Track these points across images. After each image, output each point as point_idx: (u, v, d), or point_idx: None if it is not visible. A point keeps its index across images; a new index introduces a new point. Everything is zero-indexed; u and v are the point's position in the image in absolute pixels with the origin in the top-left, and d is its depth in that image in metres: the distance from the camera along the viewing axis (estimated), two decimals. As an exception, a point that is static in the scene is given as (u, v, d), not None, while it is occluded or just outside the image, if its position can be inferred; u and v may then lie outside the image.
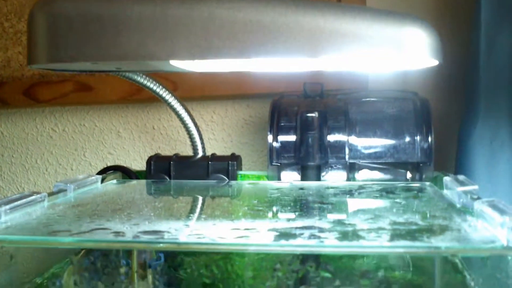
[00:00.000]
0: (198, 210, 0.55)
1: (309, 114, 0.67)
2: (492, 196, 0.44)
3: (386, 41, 0.46)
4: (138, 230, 0.42)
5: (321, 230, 0.41)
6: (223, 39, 0.46)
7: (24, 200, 0.48)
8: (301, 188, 0.62)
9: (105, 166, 0.74)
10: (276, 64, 0.53)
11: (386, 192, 0.58)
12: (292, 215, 0.49)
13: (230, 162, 0.68)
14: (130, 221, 0.45)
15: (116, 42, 0.47)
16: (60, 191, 0.56)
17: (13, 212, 0.46)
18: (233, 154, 0.70)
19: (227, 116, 1.00)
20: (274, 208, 0.52)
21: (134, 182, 0.69)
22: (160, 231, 0.41)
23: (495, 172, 0.74)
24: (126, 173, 0.72)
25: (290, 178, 0.68)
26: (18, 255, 0.48)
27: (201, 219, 0.48)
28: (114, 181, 0.67)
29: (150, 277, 0.52)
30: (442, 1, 0.90)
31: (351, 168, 0.68)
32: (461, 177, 0.55)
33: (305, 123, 0.67)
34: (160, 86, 0.69)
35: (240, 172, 0.69)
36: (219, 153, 0.72)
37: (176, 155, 0.70)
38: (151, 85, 0.68)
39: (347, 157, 0.67)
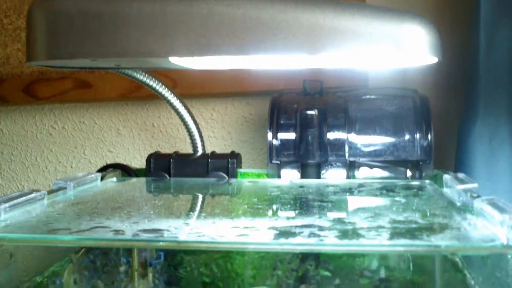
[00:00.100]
0: (198, 208, 0.55)
1: (308, 112, 0.67)
2: (492, 194, 0.44)
3: (386, 38, 0.45)
4: (138, 229, 0.42)
5: (321, 228, 0.41)
6: (222, 36, 0.46)
7: (23, 198, 0.48)
8: (301, 186, 0.62)
9: (105, 164, 0.73)
10: (276, 61, 0.53)
11: (386, 190, 0.58)
12: (292, 213, 0.49)
13: (230, 160, 0.68)
14: (130, 219, 0.45)
15: (116, 39, 0.47)
16: (59, 189, 0.56)
17: (13, 210, 0.46)
18: (232, 152, 0.70)
19: (226, 114, 1.00)
20: (274, 207, 0.52)
21: (134, 180, 0.69)
22: (160, 229, 0.41)
23: (495, 170, 0.74)
24: (125, 171, 0.72)
25: (290, 176, 0.68)
26: (17, 254, 0.48)
27: (201, 217, 0.48)
28: (114, 179, 0.67)
29: (150, 276, 0.52)
30: (442, -2, 0.90)
31: (351, 166, 0.67)
32: (460, 175, 0.55)
33: (305, 120, 0.67)
34: (160, 84, 0.69)
35: (240, 170, 0.69)
36: (218, 151, 0.72)
37: (176, 153, 0.70)
38: (151, 83, 0.68)
39: (347, 155, 0.67)
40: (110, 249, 0.52)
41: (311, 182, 0.65)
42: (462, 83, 0.82)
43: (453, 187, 0.52)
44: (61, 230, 0.42)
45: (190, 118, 0.72)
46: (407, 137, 0.67)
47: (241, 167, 0.70)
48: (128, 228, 0.42)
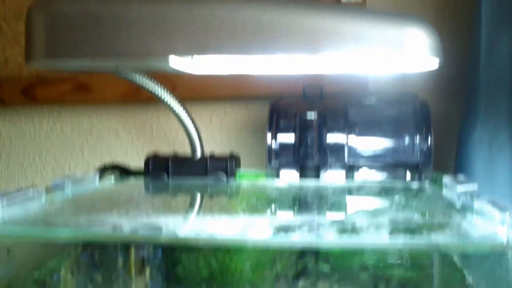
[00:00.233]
0: (196, 206, 0.55)
1: (308, 115, 0.67)
2: (491, 197, 0.44)
3: (386, 41, 0.46)
4: (136, 224, 0.41)
5: (320, 226, 0.41)
6: (222, 37, 0.46)
7: (21, 195, 0.48)
8: (300, 188, 0.62)
9: (103, 164, 0.73)
10: (276, 65, 0.53)
11: (385, 191, 0.58)
12: (291, 213, 0.49)
13: (228, 161, 0.68)
14: (128, 216, 0.45)
15: (115, 39, 0.47)
16: (57, 187, 0.55)
17: (10, 207, 0.46)
18: (231, 154, 0.70)
19: (226, 118, 1.00)
20: (273, 207, 0.52)
21: (132, 180, 0.68)
22: (158, 226, 0.41)
23: (494, 175, 0.73)
24: (124, 172, 0.72)
25: (289, 179, 0.68)
26: (15, 249, 0.47)
27: (199, 215, 0.48)
28: (112, 179, 0.67)
29: (147, 273, 0.51)
30: (442, 2, 0.90)
31: (350, 169, 0.67)
32: (460, 176, 0.55)
33: (304, 124, 0.67)
34: (159, 87, 0.69)
35: (239, 172, 0.69)
36: (217, 154, 0.72)
37: (175, 154, 0.70)
38: (150, 86, 0.68)
39: (346, 157, 0.67)
40: (108, 246, 0.51)
41: (310, 184, 0.65)
42: (462, 87, 0.82)
43: (453, 188, 0.52)
44: (59, 225, 0.42)
45: (189, 121, 0.72)
46: (406, 140, 0.67)
47: (240, 169, 0.70)
48: (126, 224, 0.42)
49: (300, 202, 0.54)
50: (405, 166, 0.67)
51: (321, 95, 0.74)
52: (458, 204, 0.49)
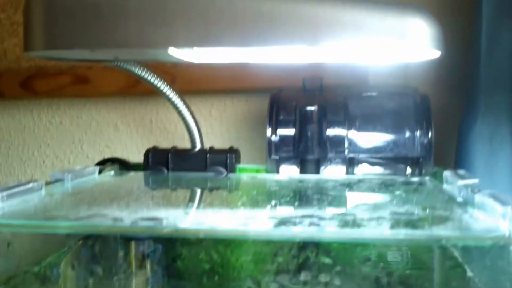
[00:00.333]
0: (197, 199, 0.55)
1: (308, 108, 0.67)
2: (492, 191, 0.44)
3: (387, 30, 0.45)
4: (136, 217, 0.41)
5: (321, 218, 0.41)
6: (222, 27, 0.45)
7: (21, 188, 0.48)
8: (300, 181, 0.62)
9: (103, 158, 0.73)
10: (276, 54, 0.52)
11: (385, 185, 0.57)
12: (291, 206, 0.49)
13: (228, 154, 0.67)
14: (129, 208, 0.45)
15: (114, 29, 0.46)
16: (57, 180, 0.55)
17: (10, 199, 0.46)
18: (231, 147, 0.69)
19: (225, 111, 0.99)
20: (273, 199, 0.52)
21: (132, 173, 0.68)
22: (159, 218, 0.41)
23: (495, 169, 0.73)
24: (124, 165, 0.72)
25: (289, 172, 0.68)
26: (15, 242, 0.47)
27: (200, 208, 0.48)
28: (112, 172, 0.67)
29: (148, 267, 0.51)
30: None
31: (350, 163, 0.67)
32: (461, 171, 0.55)
33: (304, 116, 0.67)
34: (158, 79, 0.68)
35: (238, 166, 0.69)
36: (217, 147, 0.71)
37: (174, 147, 0.70)
38: (149, 78, 0.68)
39: (346, 151, 0.67)
40: (109, 240, 0.51)
41: (310, 177, 0.64)
42: (463, 80, 0.81)
43: (454, 183, 0.52)
44: (60, 217, 0.42)
45: (188, 114, 0.72)
46: (407, 134, 0.67)
47: (239, 163, 0.70)
48: (127, 217, 0.42)
49: (300, 195, 0.54)
50: (405, 160, 0.67)
51: (321, 87, 0.74)
52: (459, 198, 0.49)
